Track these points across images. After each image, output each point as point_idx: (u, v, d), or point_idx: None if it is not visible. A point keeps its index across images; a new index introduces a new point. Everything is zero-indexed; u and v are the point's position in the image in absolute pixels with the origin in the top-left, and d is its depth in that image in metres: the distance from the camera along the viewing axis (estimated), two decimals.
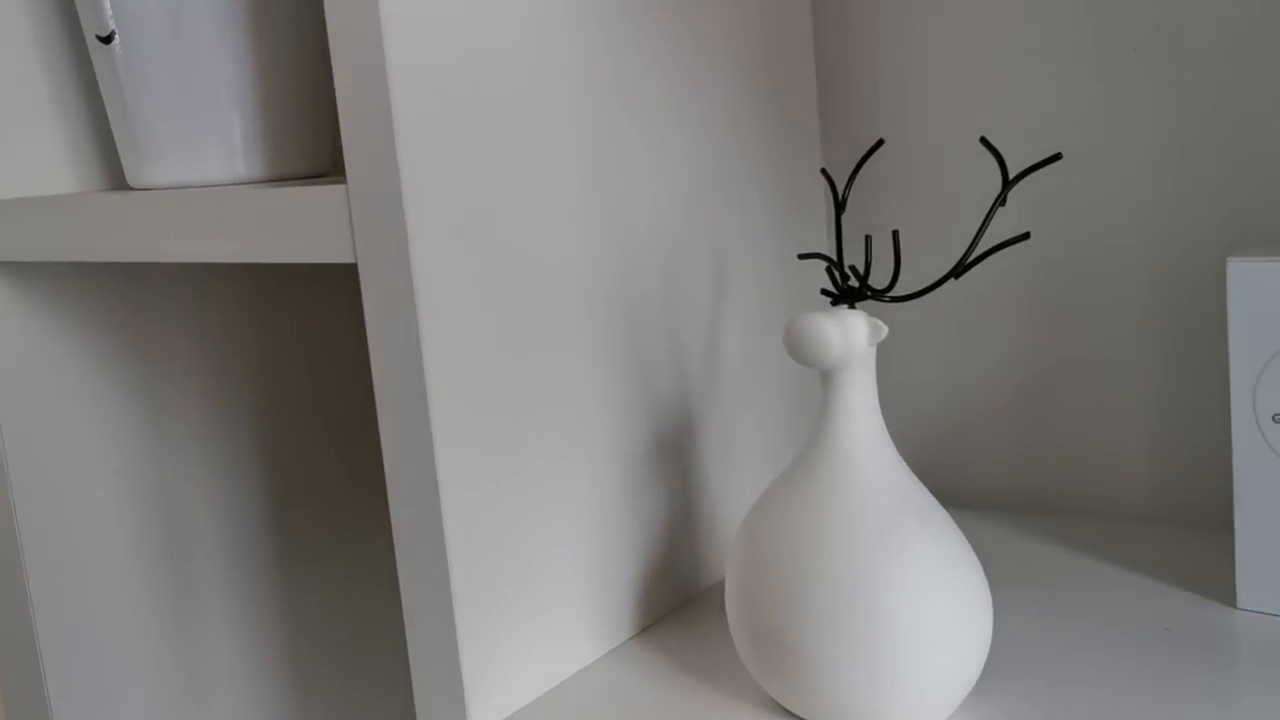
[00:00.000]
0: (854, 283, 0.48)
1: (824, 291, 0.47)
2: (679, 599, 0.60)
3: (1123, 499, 0.68)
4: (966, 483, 0.73)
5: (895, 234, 0.47)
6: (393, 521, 0.48)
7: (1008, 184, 0.45)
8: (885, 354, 0.73)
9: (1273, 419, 0.51)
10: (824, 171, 0.53)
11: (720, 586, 0.62)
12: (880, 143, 0.51)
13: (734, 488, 0.63)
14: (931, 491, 0.73)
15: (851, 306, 0.47)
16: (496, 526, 0.49)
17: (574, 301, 0.52)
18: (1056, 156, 0.45)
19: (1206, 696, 0.46)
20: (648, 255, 0.57)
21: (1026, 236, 0.44)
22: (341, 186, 0.47)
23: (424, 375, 0.46)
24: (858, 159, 0.70)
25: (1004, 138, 0.67)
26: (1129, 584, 0.57)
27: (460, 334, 0.47)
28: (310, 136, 0.62)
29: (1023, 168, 0.46)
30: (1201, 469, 0.65)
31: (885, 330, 0.45)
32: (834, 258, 0.51)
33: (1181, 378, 0.65)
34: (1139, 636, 0.52)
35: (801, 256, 0.51)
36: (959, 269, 0.46)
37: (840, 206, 0.51)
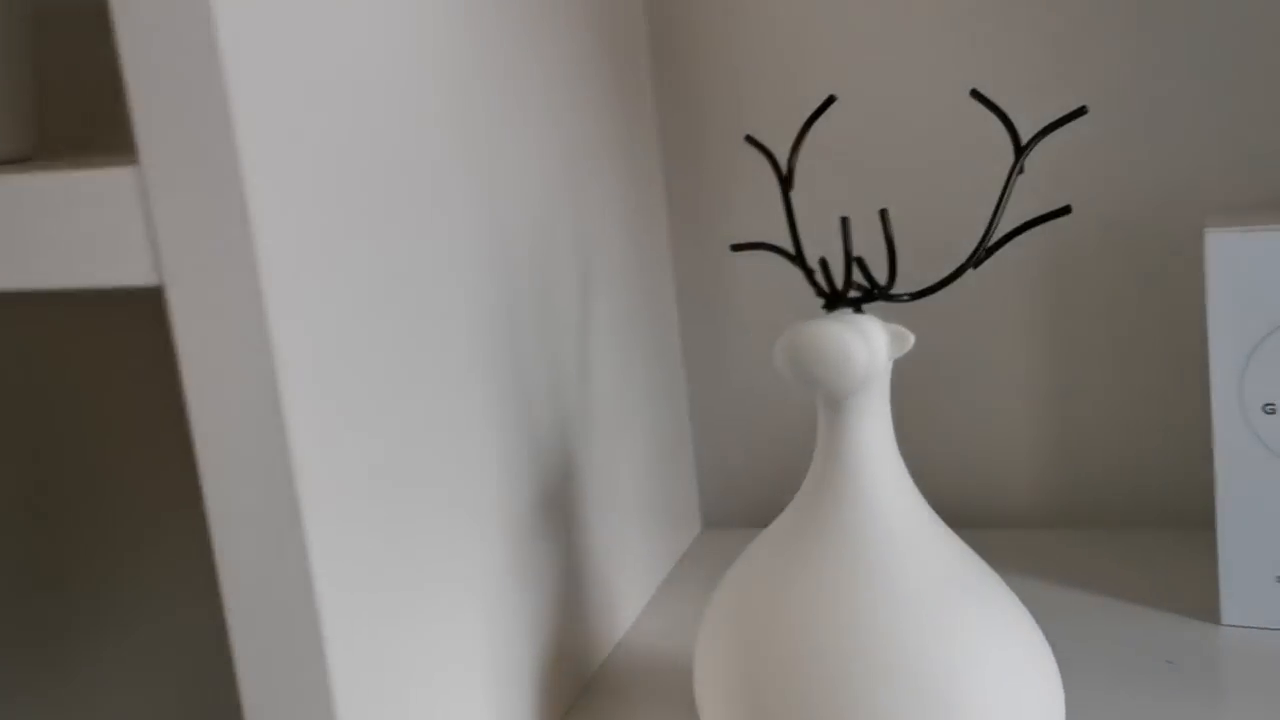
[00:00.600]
0: (858, 281, 0.37)
1: (828, 294, 0.36)
2: (579, 686, 0.47)
3: (1023, 507, 0.61)
4: None
5: (884, 213, 0.36)
6: (233, 631, 0.33)
7: (1025, 147, 0.36)
8: (727, 360, 0.63)
9: (1262, 409, 0.45)
10: (751, 139, 0.42)
11: (615, 661, 0.49)
12: (831, 99, 0.40)
13: (620, 540, 0.51)
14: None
15: (858, 310, 0.36)
16: (380, 626, 0.34)
17: (454, 331, 0.39)
18: (1081, 111, 0.36)
19: None
20: (522, 273, 0.44)
21: (1067, 210, 0.35)
22: (129, 168, 0.30)
23: (287, 446, 0.31)
24: (692, 150, 0.60)
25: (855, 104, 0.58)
26: (1106, 602, 0.50)
27: (330, 383, 0.32)
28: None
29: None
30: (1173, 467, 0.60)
31: (911, 339, 0.35)
32: (792, 250, 0.40)
33: (1148, 366, 0.59)
34: (1134, 664, 0.45)
35: (738, 248, 0.40)
36: (980, 253, 0.36)
37: (788, 181, 0.40)
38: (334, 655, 0.32)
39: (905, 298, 0.36)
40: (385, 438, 0.35)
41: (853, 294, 0.36)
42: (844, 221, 0.37)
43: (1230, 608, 0.47)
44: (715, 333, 0.64)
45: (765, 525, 0.63)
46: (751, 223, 0.62)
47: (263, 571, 0.32)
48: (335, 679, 0.32)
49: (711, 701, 0.36)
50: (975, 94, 0.38)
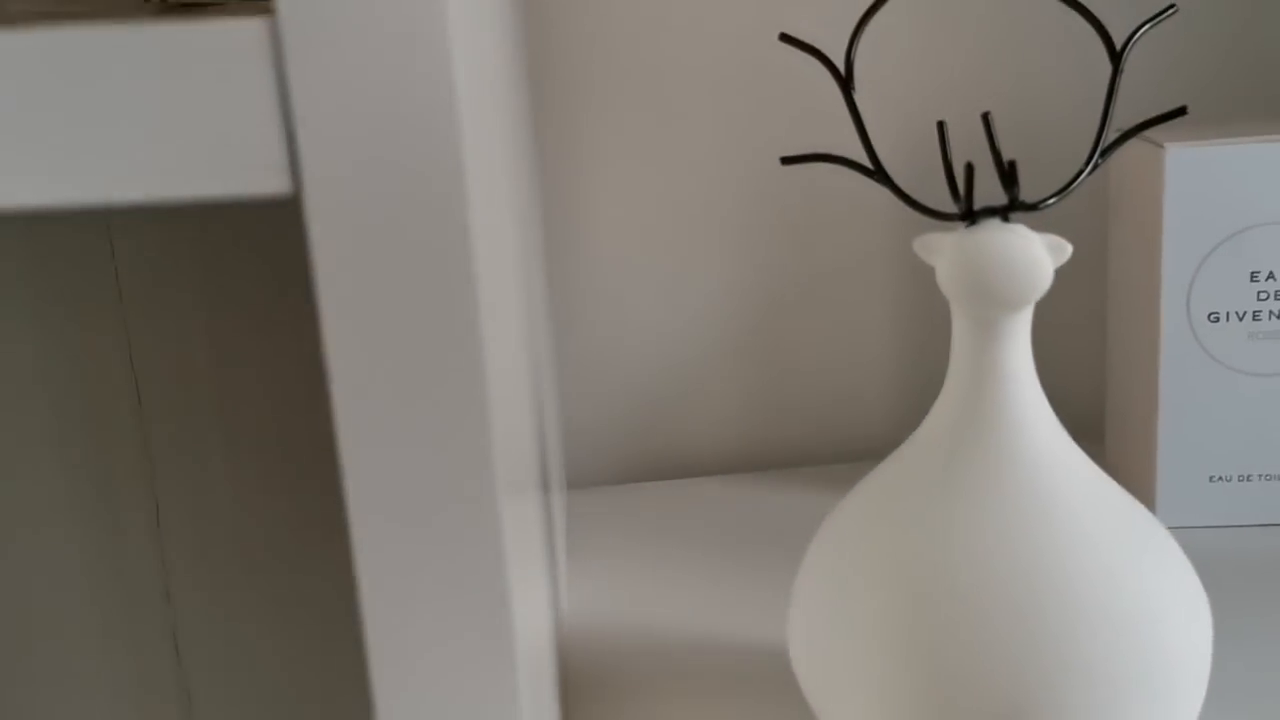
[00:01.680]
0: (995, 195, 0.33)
1: (964, 207, 0.32)
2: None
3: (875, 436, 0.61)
4: (692, 446, 0.61)
5: (985, 116, 0.33)
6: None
7: (1121, 52, 0.34)
8: (587, 304, 0.58)
9: (1208, 318, 0.47)
10: (788, 36, 0.37)
11: (574, 653, 0.43)
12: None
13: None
14: (655, 460, 0.61)
15: (1005, 219, 0.33)
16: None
17: None
18: (1171, 8, 0.35)
19: None
20: None
21: (1184, 111, 0.34)
22: (255, 22, 0.21)
23: (484, 373, 0.22)
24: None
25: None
26: None
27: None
28: None
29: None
30: None
31: (1069, 249, 0.32)
32: (869, 163, 0.35)
33: None
34: None
35: (790, 160, 0.35)
36: (1096, 158, 0.34)
37: (848, 81, 0.36)
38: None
39: (1048, 204, 0.33)
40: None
41: (990, 205, 0.32)
42: (940, 126, 0.34)
43: (1165, 508, 0.49)
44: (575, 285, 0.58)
45: (623, 483, 0.58)
46: (619, 170, 0.56)
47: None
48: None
49: (857, 673, 0.32)
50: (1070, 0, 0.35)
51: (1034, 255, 0.30)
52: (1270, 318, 0.46)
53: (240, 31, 0.21)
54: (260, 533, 0.59)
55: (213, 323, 0.57)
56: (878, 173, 0.35)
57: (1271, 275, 0.46)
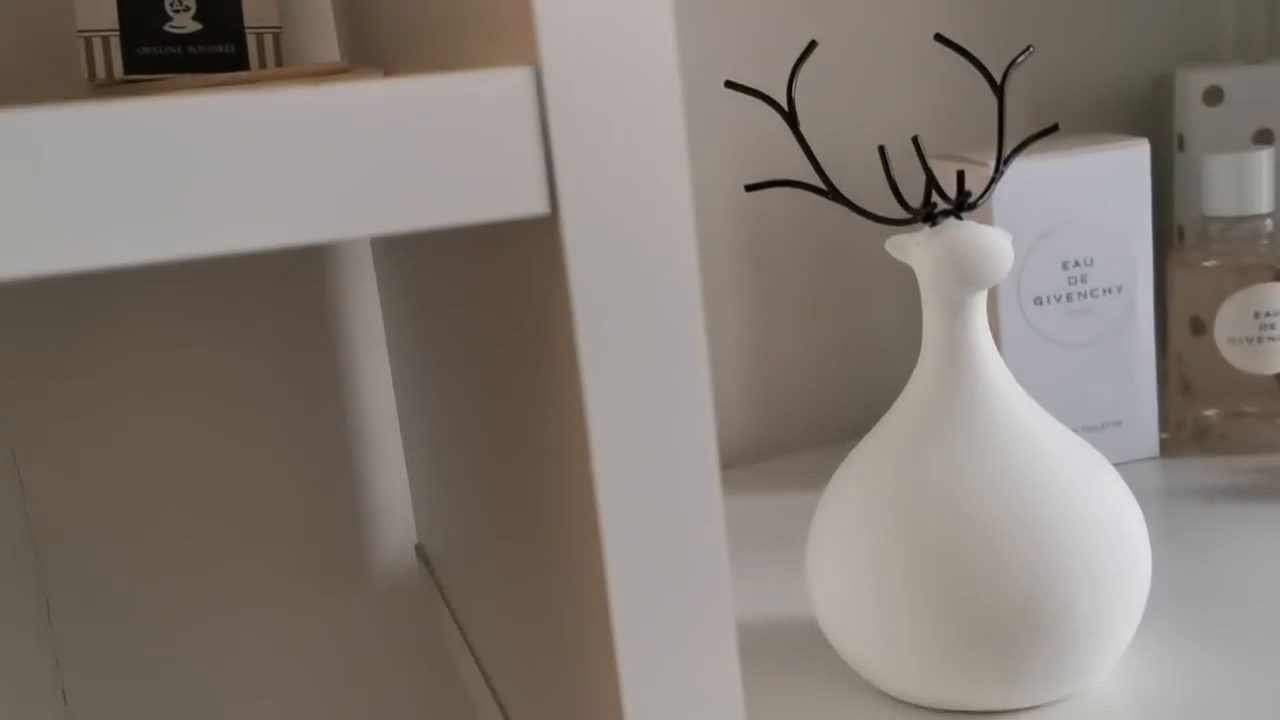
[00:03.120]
0: (939, 202, 0.40)
1: (923, 212, 0.39)
2: None
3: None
4: None
5: (915, 139, 0.41)
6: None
7: (1002, 82, 0.43)
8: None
9: (1034, 301, 0.57)
10: (733, 83, 0.43)
11: None
12: (814, 44, 0.43)
13: None
14: None
15: (933, 224, 0.40)
16: None
17: None
18: (1029, 48, 0.44)
19: None
20: None
21: (1056, 128, 0.43)
22: (525, 70, 0.24)
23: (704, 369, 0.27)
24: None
25: None
26: None
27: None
28: None
29: None
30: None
31: (1009, 236, 0.40)
32: (822, 182, 0.42)
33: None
34: None
35: (753, 187, 0.42)
36: (1002, 162, 0.42)
37: (793, 116, 0.42)
38: None
39: (977, 205, 0.40)
40: None
41: (942, 207, 0.40)
42: (882, 150, 0.41)
43: None
44: None
45: None
46: None
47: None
48: None
49: (880, 601, 0.38)
50: (939, 38, 0.43)
51: (1000, 243, 0.38)
52: (1079, 298, 0.57)
53: (511, 77, 0.24)
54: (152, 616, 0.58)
55: (95, 411, 0.56)
56: (832, 193, 0.41)
57: (1078, 264, 0.57)
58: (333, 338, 0.60)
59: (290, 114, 0.23)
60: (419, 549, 0.62)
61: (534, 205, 0.25)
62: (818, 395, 0.69)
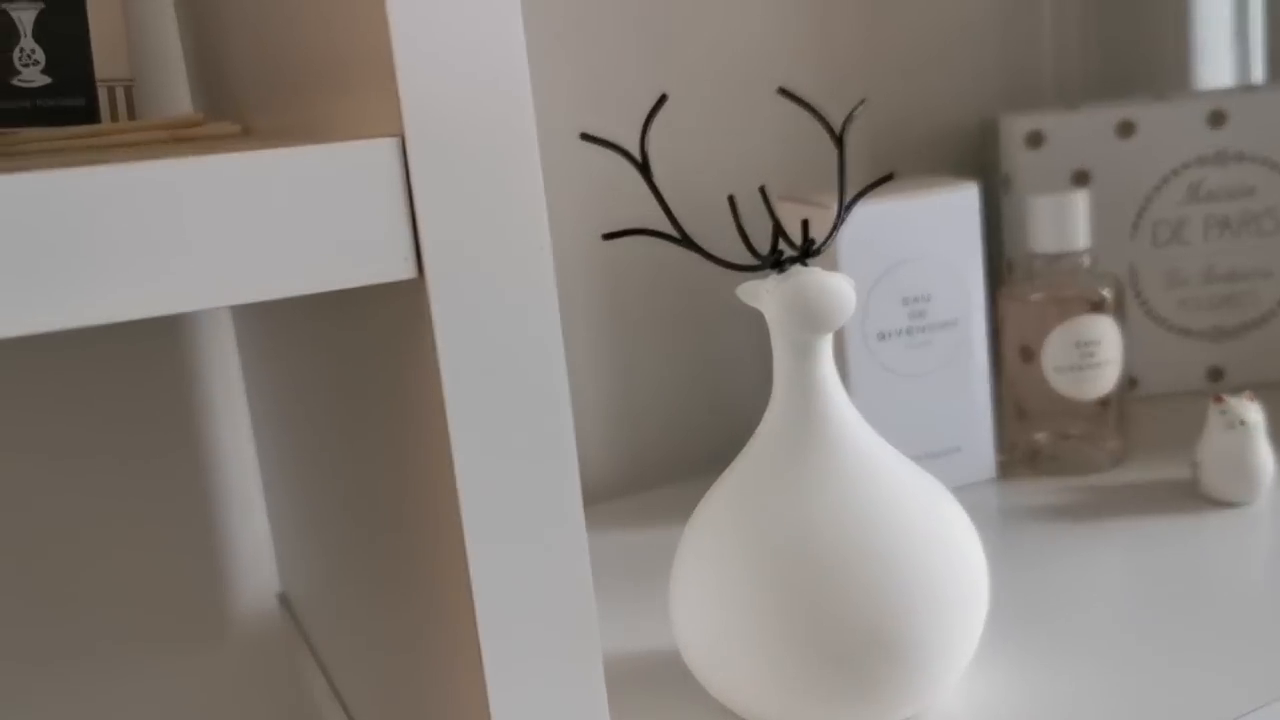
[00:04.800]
0: (785, 249, 0.42)
1: (771, 259, 0.41)
2: None
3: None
4: None
5: (762, 189, 0.43)
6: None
7: (841, 136, 0.46)
8: None
9: (878, 336, 0.60)
10: (588, 135, 0.44)
11: None
12: (664, 97, 0.45)
13: None
14: None
15: (780, 270, 0.42)
16: None
17: None
18: (863, 101, 0.47)
19: None
20: None
21: (891, 177, 0.46)
22: (389, 140, 0.25)
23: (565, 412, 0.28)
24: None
25: None
26: None
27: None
28: None
29: None
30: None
31: (853, 283, 0.42)
32: (675, 230, 0.44)
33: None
34: None
35: (610, 236, 0.43)
36: (840, 218, 0.45)
37: (646, 167, 0.44)
38: None
39: (821, 251, 0.43)
40: None
41: (790, 254, 0.42)
42: (731, 200, 0.43)
43: None
44: None
45: None
46: None
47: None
48: None
49: (739, 630, 0.40)
50: (783, 91, 0.46)
51: (844, 288, 0.40)
52: (919, 332, 0.60)
53: (377, 148, 0.25)
54: None
55: None
56: (685, 241, 0.43)
57: (917, 299, 0.60)
58: (191, 390, 0.59)
59: (165, 183, 0.24)
60: (282, 597, 0.61)
61: (401, 270, 0.26)
62: (676, 430, 0.71)
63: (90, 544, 0.58)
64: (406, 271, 0.26)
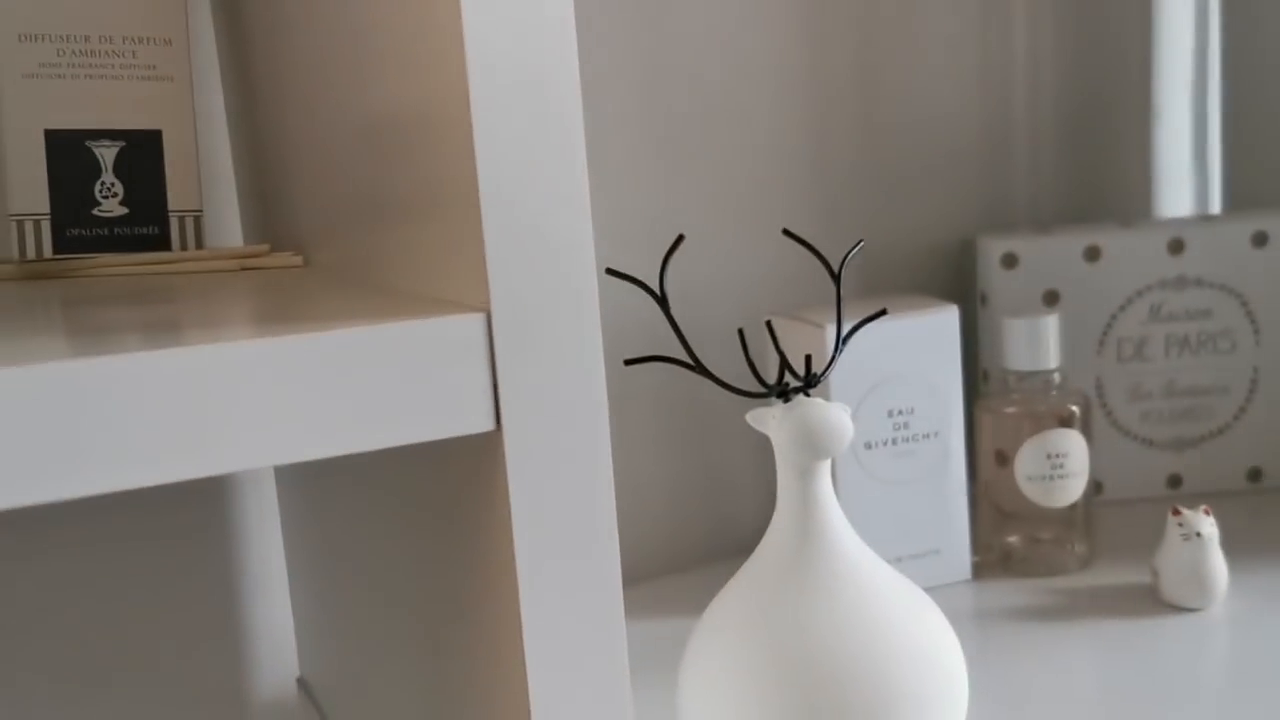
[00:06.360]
0: (790, 379, 0.47)
1: (777, 389, 0.46)
2: None
3: None
4: None
5: (769, 323, 0.48)
6: None
7: (839, 272, 0.51)
8: None
9: (865, 446, 0.65)
10: (612, 270, 0.49)
11: None
12: (681, 238, 0.50)
13: None
14: None
15: (785, 399, 0.47)
16: None
17: None
18: (860, 242, 0.52)
19: None
20: None
21: (884, 312, 0.51)
22: (478, 315, 0.30)
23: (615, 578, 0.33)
24: None
25: None
26: None
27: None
28: None
29: None
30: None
31: (849, 409, 0.47)
32: (689, 360, 0.49)
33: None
34: None
35: (631, 362, 0.48)
36: (842, 340, 0.50)
37: (664, 301, 0.49)
38: None
39: (823, 378, 0.48)
40: None
41: (795, 384, 0.47)
42: (741, 333, 0.48)
43: None
44: None
45: None
46: None
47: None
48: None
49: (737, 705, 0.44)
50: (787, 232, 0.51)
51: (842, 419, 0.45)
52: (903, 442, 0.65)
53: (468, 322, 0.30)
54: None
55: None
56: (699, 368, 0.48)
57: (901, 412, 0.65)
58: (222, 480, 0.63)
59: (284, 356, 0.28)
60: (301, 681, 0.65)
61: (482, 423, 0.31)
62: (675, 526, 0.75)
63: (112, 621, 0.61)
64: (487, 424, 0.31)
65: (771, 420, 0.46)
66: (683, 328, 0.47)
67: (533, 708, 0.32)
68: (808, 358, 0.47)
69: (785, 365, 0.47)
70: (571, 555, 0.32)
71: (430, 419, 0.30)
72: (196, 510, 0.63)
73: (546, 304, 0.31)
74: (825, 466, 0.46)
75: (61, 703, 0.60)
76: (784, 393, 0.47)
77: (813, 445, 0.45)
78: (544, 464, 0.31)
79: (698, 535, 0.76)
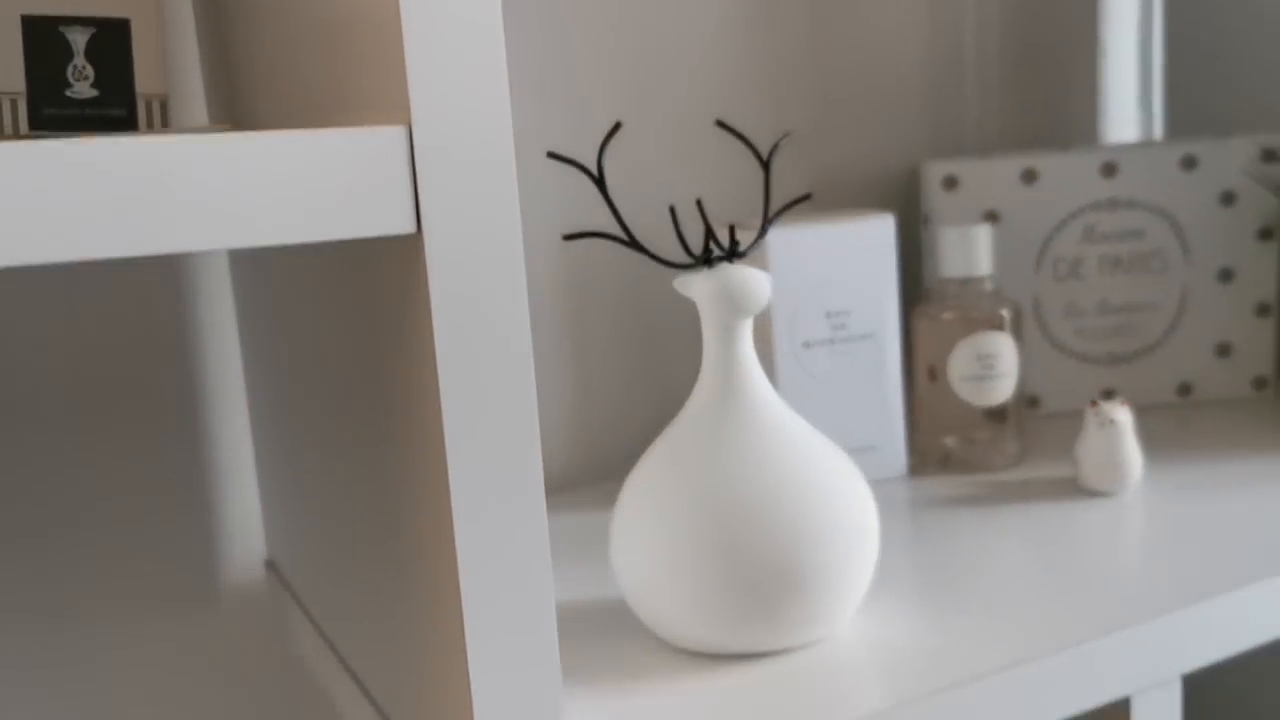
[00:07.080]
0: (715, 249, 0.51)
1: (703, 258, 0.50)
2: None
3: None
4: None
5: (698, 201, 0.52)
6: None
7: (768, 160, 0.54)
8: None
9: (803, 345, 0.68)
10: (554, 154, 0.53)
11: None
12: (618, 125, 0.54)
13: None
14: None
15: (710, 266, 0.50)
16: None
17: None
18: (786, 134, 0.56)
19: None
20: None
21: (809, 196, 0.54)
22: (400, 127, 0.34)
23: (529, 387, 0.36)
24: None
25: None
26: None
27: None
28: None
29: None
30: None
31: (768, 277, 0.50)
32: (624, 234, 0.52)
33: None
34: None
35: (570, 237, 0.51)
36: (767, 223, 0.53)
37: (602, 182, 0.52)
38: None
39: (745, 254, 0.51)
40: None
41: (718, 254, 0.50)
42: (672, 209, 0.51)
43: None
44: None
45: None
46: None
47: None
48: None
49: (673, 566, 0.47)
50: (720, 123, 0.54)
51: (761, 280, 0.48)
52: (840, 342, 0.69)
53: (390, 133, 0.33)
54: None
55: None
56: (632, 243, 0.52)
57: (838, 313, 0.68)
58: (186, 357, 0.67)
59: (227, 154, 0.32)
60: (269, 564, 0.68)
61: (404, 225, 0.34)
62: (630, 423, 0.78)
63: (79, 507, 0.64)
64: (408, 227, 0.34)
65: (695, 283, 0.49)
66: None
67: (452, 495, 0.35)
68: (731, 228, 0.51)
69: (710, 236, 0.50)
70: (489, 352, 0.35)
71: (357, 218, 0.33)
72: (165, 397, 0.66)
73: (465, 120, 0.34)
74: (747, 326, 0.50)
75: (25, 590, 0.63)
76: (709, 260, 0.50)
77: (733, 303, 0.48)
78: (461, 265, 0.35)
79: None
